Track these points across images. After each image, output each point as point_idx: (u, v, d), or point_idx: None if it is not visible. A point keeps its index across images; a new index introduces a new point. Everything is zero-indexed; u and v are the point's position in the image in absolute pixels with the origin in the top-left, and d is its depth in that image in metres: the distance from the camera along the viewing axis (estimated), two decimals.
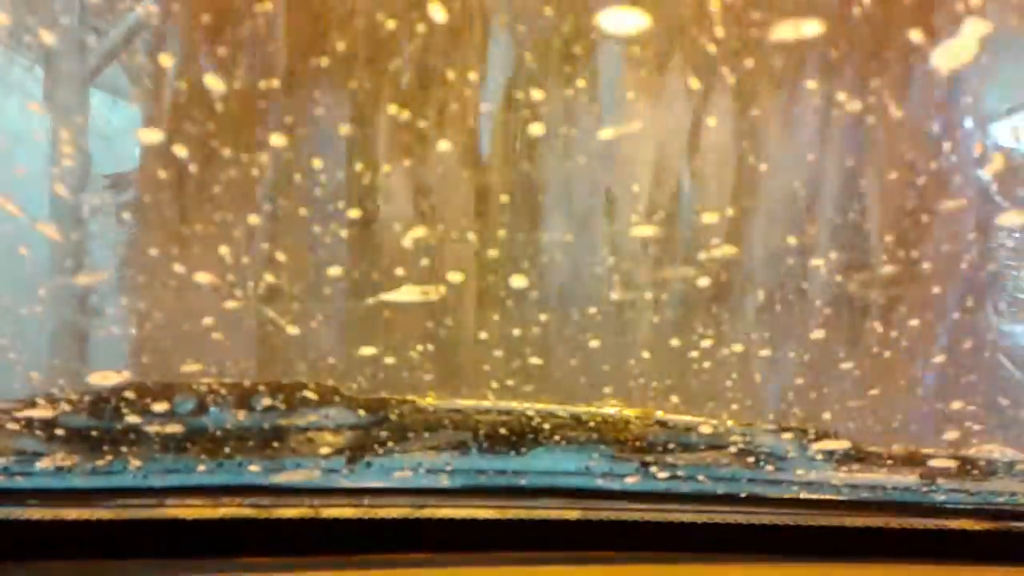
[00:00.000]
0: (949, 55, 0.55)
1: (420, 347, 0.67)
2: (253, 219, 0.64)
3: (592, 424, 0.70)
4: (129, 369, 0.66)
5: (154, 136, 0.61)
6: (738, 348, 0.68)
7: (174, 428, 0.68)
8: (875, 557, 0.72)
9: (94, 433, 0.67)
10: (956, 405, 0.69)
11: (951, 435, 0.70)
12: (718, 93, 0.60)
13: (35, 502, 0.65)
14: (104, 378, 0.66)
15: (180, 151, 0.61)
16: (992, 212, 0.65)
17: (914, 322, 0.67)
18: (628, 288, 0.65)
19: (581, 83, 0.60)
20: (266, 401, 0.68)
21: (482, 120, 0.61)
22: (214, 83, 0.58)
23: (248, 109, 0.61)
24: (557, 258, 0.65)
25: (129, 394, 0.67)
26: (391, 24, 0.59)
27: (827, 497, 0.72)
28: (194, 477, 0.68)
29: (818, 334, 0.68)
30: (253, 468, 0.69)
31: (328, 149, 0.62)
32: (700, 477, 0.70)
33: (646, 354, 0.68)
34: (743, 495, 0.71)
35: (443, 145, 0.61)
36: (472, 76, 0.60)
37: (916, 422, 0.71)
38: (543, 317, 0.66)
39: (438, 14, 0.57)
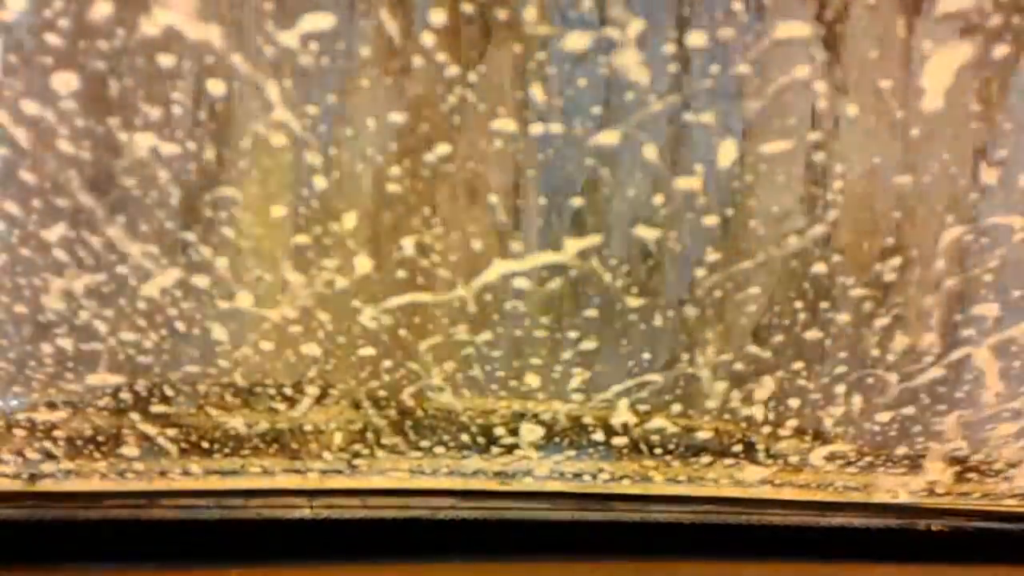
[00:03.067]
0: None
1: (420, 349, 0.67)
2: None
3: (592, 426, 0.70)
4: (128, 370, 0.66)
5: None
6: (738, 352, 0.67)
7: (173, 429, 0.68)
8: (876, 557, 0.72)
9: (93, 435, 0.67)
10: (955, 412, 0.69)
11: (952, 439, 0.70)
12: None
13: (35, 504, 0.65)
14: (103, 380, 0.66)
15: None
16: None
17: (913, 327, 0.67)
18: (636, 295, 0.65)
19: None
20: (266, 401, 0.68)
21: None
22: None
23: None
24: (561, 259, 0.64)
25: (127, 395, 0.67)
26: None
27: (827, 498, 0.72)
28: (193, 478, 0.68)
29: (816, 335, 0.67)
30: (253, 469, 0.70)
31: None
32: (700, 480, 0.70)
33: (647, 355, 0.68)
34: (743, 496, 0.71)
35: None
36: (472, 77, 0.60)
37: (916, 426, 0.71)
38: (544, 319, 0.66)
39: None
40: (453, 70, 0.59)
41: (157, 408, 0.67)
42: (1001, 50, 0.58)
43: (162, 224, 0.62)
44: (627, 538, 0.70)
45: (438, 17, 0.57)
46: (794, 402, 0.69)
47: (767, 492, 0.72)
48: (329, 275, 0.64)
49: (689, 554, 0.70)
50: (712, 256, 0.64)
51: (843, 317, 0.66)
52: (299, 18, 0.57)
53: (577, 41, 0.57)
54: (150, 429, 0.68)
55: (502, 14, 0.58)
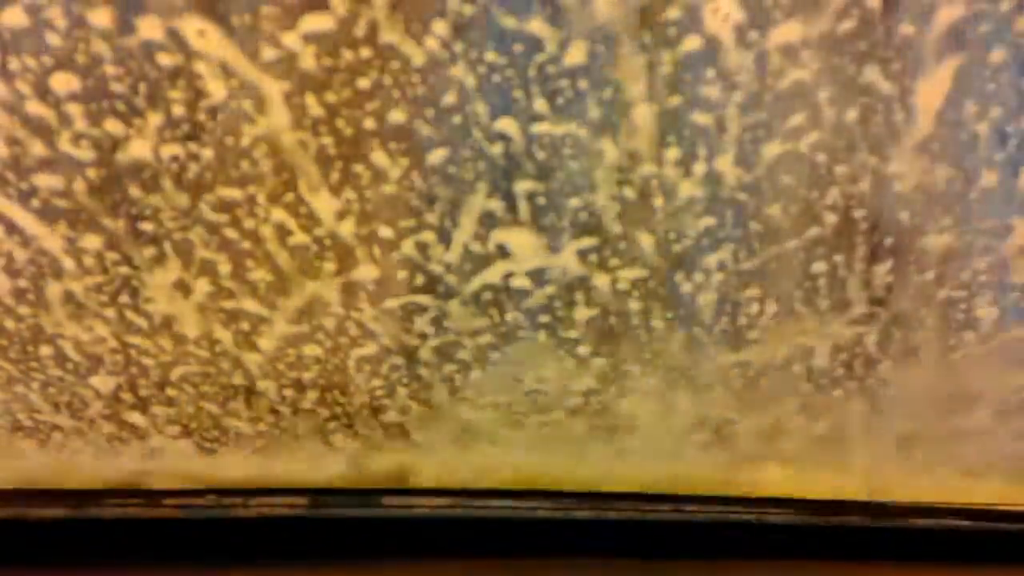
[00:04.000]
0: None
1: (420, 349, 0.67)
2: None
3: (592, 427, 0.70)
4: (128, 371, 0.66)
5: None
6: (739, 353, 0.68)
7: (173, 429, 0.68)
8: (876, 557, 0.72)
9: (94, 435, 0.67)
10: (955, 415, 0.69)
11: (952, 440, 0.71)
12: None
13: (35, 504, 0.66)
14: (103, 380, 0.66)
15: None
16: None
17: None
18: (636, 297, 0.65)
19: None
20: (267, 401, 0.69)
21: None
22: None
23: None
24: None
25: (127, 395, 0.67)
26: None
27: (827, 498, 0.73)
28: (193, 478, 0.69)
29: (815, 336, 0.68)
30: (254, 468, 0.70)
31: None
32: (702, 480, 0.70)
33: (647, 356, 0.68)
34: (743, 496, 0.71)
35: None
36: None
37: (916, 427, 0.71)
38: (544, 319, 0.66)
39: None
40: (454, 71, 0.59)
41: (157, 408, 0.67)
42: (997, 55, 0.58)
43: (162, 225, 0.62)
44: (627, 538, 0.70)
45: (439, 21, 0.57)
46: (794, 403, 0.69)
47: (768, 492, 0.72)
48: (329, 276, 0.64)
49: (689, 554, 0.70)
50: (712, 258, 0.64)
51: (843, 319, 0.66)
52: (300, 19, 0.58)
53: (578, 45, 0.58)
54: (150, 429, 0.68)
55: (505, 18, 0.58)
